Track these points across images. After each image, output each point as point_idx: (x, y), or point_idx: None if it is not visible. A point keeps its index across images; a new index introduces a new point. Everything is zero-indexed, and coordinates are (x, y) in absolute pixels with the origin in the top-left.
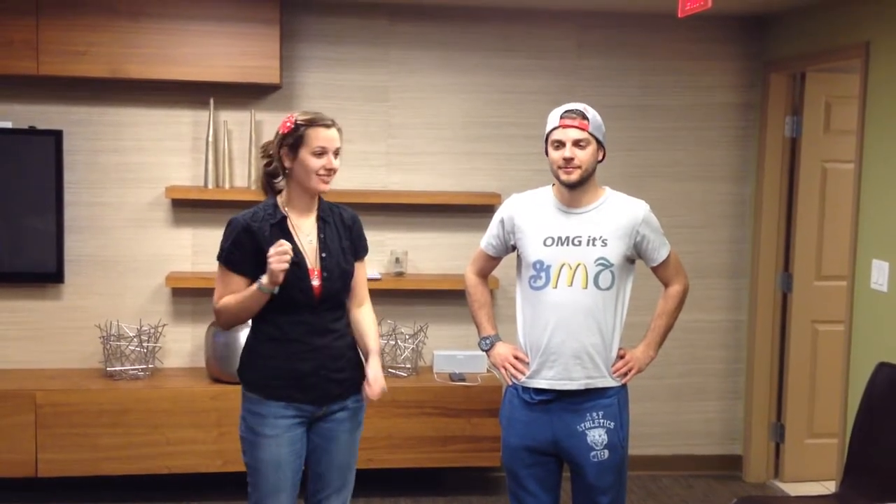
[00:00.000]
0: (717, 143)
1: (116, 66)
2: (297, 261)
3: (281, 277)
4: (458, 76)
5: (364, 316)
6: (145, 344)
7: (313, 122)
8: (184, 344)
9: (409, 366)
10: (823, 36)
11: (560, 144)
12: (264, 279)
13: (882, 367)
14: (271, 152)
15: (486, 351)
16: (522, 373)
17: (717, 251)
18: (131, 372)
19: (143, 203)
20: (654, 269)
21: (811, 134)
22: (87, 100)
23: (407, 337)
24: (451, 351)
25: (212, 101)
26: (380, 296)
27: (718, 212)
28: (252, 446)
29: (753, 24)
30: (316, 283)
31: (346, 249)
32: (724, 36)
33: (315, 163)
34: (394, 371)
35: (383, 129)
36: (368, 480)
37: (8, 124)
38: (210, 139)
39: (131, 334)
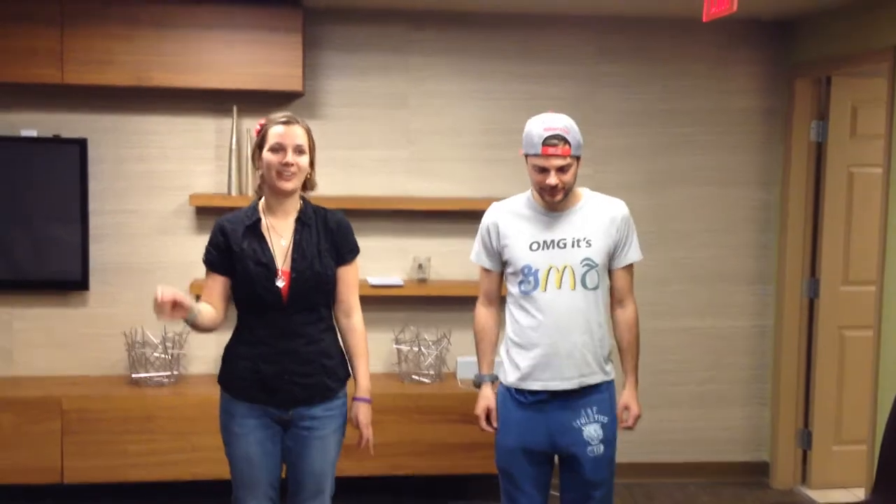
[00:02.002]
0: (741, 148)
1: (140, 75)
2: (265, 262)
3: (162, 316)
4: (478, 83)
5: (352, 329)
6: (170, 351)
7: (272, 121)
8: (208, 351)
9: (432, 372)
10: (849, 40)
11: (543, 170)
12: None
13: None
14: (256, 165)
15: (477, 386)
16: (489, 428)
17: (742, 256)
18: (156, 379)
19: (167, 211)
20: (615, 274)
21: (837, 138)
22: (111, 108)
23: (430, 343)
24: (474, 357)
25: (235, 108)
26: (403, 302)
27: (742, 217)
28: (226, 442)
29: (778, 27)
30: (282, 284)
31: (325, 253)
32: (748, 40)
33: (272, 158)
34: (417, 377)
35: (403, 135)
36: (393, 487)
37: (33, 133)
38: (233, 147)
39: (156, 341)
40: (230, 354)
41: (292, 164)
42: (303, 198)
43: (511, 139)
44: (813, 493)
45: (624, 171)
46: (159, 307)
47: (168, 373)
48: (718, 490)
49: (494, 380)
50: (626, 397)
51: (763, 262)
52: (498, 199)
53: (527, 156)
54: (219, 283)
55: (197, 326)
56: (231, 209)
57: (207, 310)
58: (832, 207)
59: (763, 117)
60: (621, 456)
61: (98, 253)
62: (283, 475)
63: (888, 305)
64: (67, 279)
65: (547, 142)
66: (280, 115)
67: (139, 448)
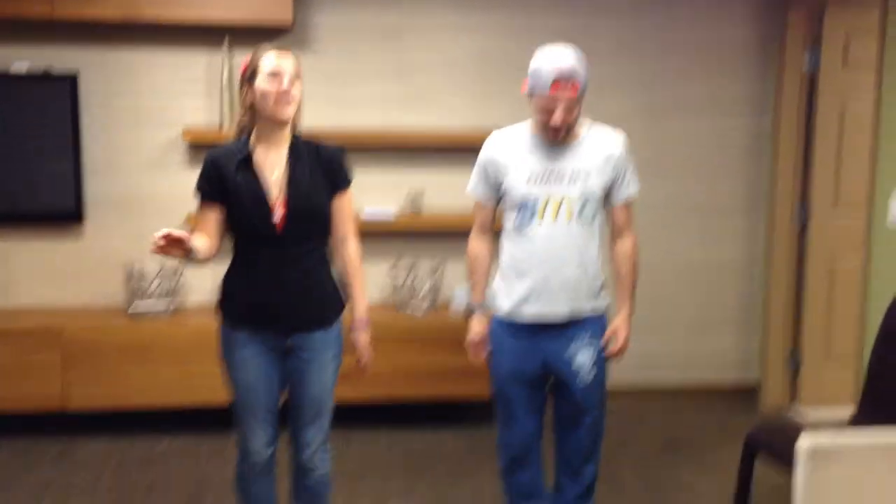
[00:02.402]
0: (736, 78)
1: (130, 9)
2: (259, 195)
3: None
4: (473, 14)
5: (348, 258)
6: (167, 282)
7: (263, 50)
8: (204, 281)
9: (427, 302)
10: None
11: (549, 109)
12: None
13: None
14: (242, 99)
15: (467, 315)
16: (480, 357)
17: (734, 185)
18: (154, 309)
19: (160, 145)
20: (614, 211)
21: (830, 69)
22: (102, 43)
23: (425, 274)
24: (467, 287)
25: (226, 42)
26: (398, 234)
27: (736, 146)
28: (226, 369)
29: None
30: (278, 214)
31: (320, 183)
32: None
33: (268, 87)
34: (412, 307)
35: (398, 69)
36: (389, 413)
37: (24, 67)
38: (224, 82)
39: (153, 273)
40: (228, 285)
41: (289, 93)
42: (293, 130)
43: (506, 71)
44: (802, 411)
45: (620, 101)
46: (158, 247)
47: (165, 303)
48: (710, 411)
49: (486, 309)
50: (616, 323)
51: (755, 190)
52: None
53: (533, 93)
54: (213, 214)
55: (193, 260)
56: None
57: (203, 243)
58: (823, 137)
59: (758, 46)
60: (615, 381)
61: (93, 186)
62: (284, 401)
63: (876, 229)
64: (62, 212)
65: (556, 81)
66: (271, 45)
67: (139, 376)
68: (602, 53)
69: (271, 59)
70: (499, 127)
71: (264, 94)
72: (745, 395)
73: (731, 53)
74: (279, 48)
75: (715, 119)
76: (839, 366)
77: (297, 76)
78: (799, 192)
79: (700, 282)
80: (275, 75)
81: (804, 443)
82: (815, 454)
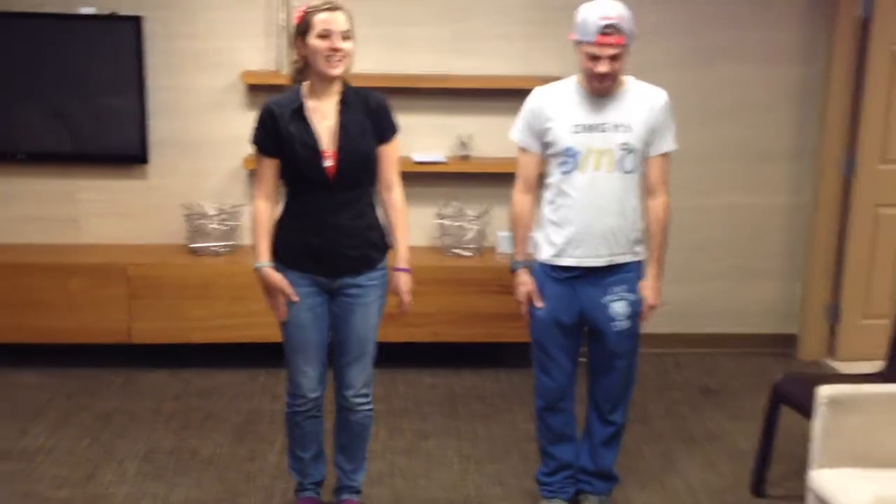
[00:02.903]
0: (785, 24)
1: None
2: (311, 144)
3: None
4: None
5: (393, 204)
6: (226, 222)
7: (316, 9)
8: None
9: (473, 246)
10: None
11: (595, 57)
12: (261, 265)
13: None
14: (297, 50)
15: (513, 271)
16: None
17: (782, 133)
18: (213, 248)
19: (219, 87)
20: (650, 162)
21: (883, 14)
22: None
23: (472, 218)
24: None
25: None
26: (446, 178)
27: (784, 93)
28: None
29: None
30: (329, 163)
31: (368, 132)
32: None
33: (319, 45)
34: (458, 250)
35: (448, 12)
36: (433, 354)
37: (92, 10)
38: (282, 24)
39: (212, 213)
40: (281, 228)
41: (340, 50)
42: (343, 81)
43: (554, 16)
44: (837, 365)
45: (665, 48)
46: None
47: (224, 243)
48: (746, 360)
49: (529, 265)
50: (643, 286)
51: (803, 139)
52: (540, 77)
53: (579, 42)
54: (272, 167)
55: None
56: (281, 87)
57: (270, 221)
58: (874, 85)
59: None
60: (655, 327)
61: (155, 127)
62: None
63: None
64: (128, 152)
65: (602, 31)
66: (324, 3)
67: (199, 312)
68: (649, 1)
69: (322, 18)
70: (546, 72)
71: (315, 52)
72: (784, 346)
73: None
74: (332, 5)
75: (764, 66)
76: (877, 322)
77: (347, 33)
78: (848, 142)
79: (744, 228)
80: (325, 35)
81: (823, 392)
82: (833, 403)
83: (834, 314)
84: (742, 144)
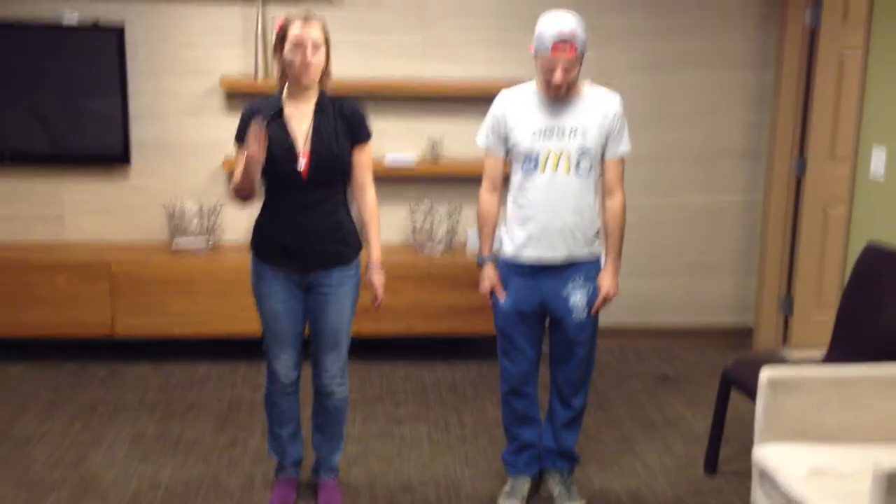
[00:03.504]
0: (739, 32)
1: None
2: (287, 146)
3: (253, 148)
4: None
5: (366, 205)
6: (206, 220)
7: (290, 21)
8: (240, 221)
9: (443, 243)
10: None
11: (550, 68)
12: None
13: (869, 248)
14: (277, 59)
15: (479, 266)
16: (499, 297)
17: (736, 135)
18: (194, 246)
19: (199, 92)
20: (606, 165)
21: (830, 23)
22: None
23: (442, 216)
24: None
25: None
26: (417, 179)
27: (738, 97)
28: (256, 301)
29: None
30: (303, 163)
31: (342, 135)
32: None
33: (292, 56)
34: (430, 247)
35: (419, 19)
36: (406, 347)
37: (74, 19)
38: (259, 33)
39: (193, 211)
40: (259, 226)
41: (310, 61)
42: (320, 87)
43: (523, 23)
44: (791, 354)
45: (627, 53)
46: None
47: (205, 241)
48: (705, 351)
49: (495, 260)
50: (602, 278)
51: (756, 140)
52: (509, 82)
53: (536, 54)
54: None
55: (250, 181)
56: (256, 94)
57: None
58: (822, 90)
59: (761, 3)
60: (617, 320)
61: (138, 130)
62: (307, 333)
63: (860, 185)
64: (111, 154)
65: (556, 44)
66: (298, 14)
67: (181, 307)
68: (611, 7)
69: (296, 30)
70: (514, 76)
71: (289, 62)
72: (740, 337)
73: (735, 9)
74: (306, 17)
75: (719, 72)
76: (828, 313)
77: (321, 44)
78: (798, 143)
79: (701, 226)
80: (298, 45)
81: (765, 374)
82: (774, 384)
83: (787, 306)
84: (699, 146)
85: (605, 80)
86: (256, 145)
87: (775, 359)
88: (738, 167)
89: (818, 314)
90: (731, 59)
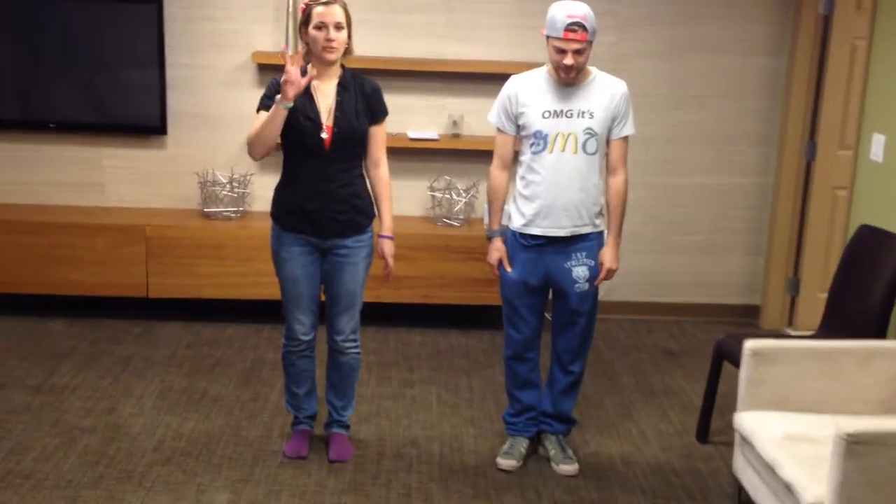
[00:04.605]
0: (754, 19)
1: None
2: (312, 117)
3: (290, 92)
4: None
5: (380, 178)
6: (236, 190)
7: (316, 1)
8: (268, 191)
9: (461, 217)
10: None
11: (561, 51)
12: (279, 97)
13: (862, 228)
14: (302, 37)
15: (489, 238)
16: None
17: (749, 120)
18: (225, 213)
19: (232, 66)
20: (611, 145)
21: (843, 11)
22: None
23: (461, 191)
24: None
25: None
26: (438, 154)
27: (751, 83)
28: (276, 265)
29: None
30: (326, 136)
31: (361, 112)
32: None
33: (317, 35)
34: (448, 221)
35: (442, 2)
36: (423, 315)
37: None
38: (290, 9)
39: (224, 181)
40: (279, 194)
41: (334, 40)
42: (343, 65)
43: (543, 8)
44: (794, 333)
45: (646, 39)
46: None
47: (234, 209)
48: (711, 327)
49: (503, 234)
50: (604, 253)
51: (767, 125)
52: (529, 64)
53: (548, 37)
54: None
55: (274, 131)
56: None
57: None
58: (834, 77)
59: None
60: (627, 295)
61: (174, 102)
62: (322, 296)
63: (862, 164)
64: (148, 124)
65: (568, 28)
66: None
67: (211, 271)
68: None
69: (319, 11)
70: (533, 58)
71: (314, 40)
72: (748, 316)
73: None
74: (323, 0)
75: (734, 58)
76: None
77: (342, 24)
78: (808, 128)
79: (712, 206)
80: (321, 26)
81: (748, 345)
82: (755, 354)
83: (794, 287)
84: (712, 129)
85: (623, 65)
86: (296, 67)
87: (776, 337)
88: (751, 151)
89: (824, 295)
90: (746, 46)
